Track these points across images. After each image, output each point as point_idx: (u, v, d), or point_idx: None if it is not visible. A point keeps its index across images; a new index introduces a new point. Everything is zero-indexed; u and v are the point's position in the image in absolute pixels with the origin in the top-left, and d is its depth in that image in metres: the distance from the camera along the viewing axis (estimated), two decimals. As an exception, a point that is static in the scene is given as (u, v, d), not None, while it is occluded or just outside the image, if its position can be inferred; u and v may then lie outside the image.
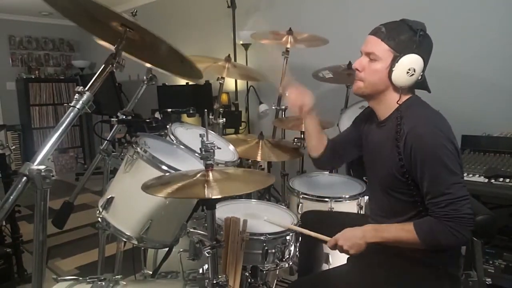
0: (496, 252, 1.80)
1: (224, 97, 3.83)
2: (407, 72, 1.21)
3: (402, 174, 1.22)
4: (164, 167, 1.35)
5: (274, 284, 1.96)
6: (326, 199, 1.84)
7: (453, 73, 2.44)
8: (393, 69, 1.22)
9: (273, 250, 1.49)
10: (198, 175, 1.16)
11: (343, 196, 1.87)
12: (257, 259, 1.49)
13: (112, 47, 1.16)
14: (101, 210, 1.42)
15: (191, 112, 1.98)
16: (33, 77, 5.63)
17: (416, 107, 1.27)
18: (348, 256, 1.31)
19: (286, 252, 1.53)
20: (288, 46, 2.57)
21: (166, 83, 4.14)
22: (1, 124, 5.22)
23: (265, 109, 3.42)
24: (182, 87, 4.05)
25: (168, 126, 1.75)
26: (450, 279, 1.24)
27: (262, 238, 1.47)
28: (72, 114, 1.03)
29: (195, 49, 4.16)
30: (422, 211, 1.22)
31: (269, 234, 1.48)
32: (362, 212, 1.87)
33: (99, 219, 1.42)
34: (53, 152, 1.06)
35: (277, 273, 2.02)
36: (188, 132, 1.84)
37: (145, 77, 2.05)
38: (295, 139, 2.56)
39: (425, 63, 1.22)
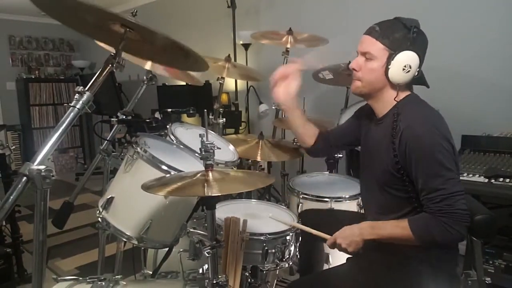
0: (496, 252, 1.80)
1: (224, 97, 3.83)
2: (403, 69, 1.22)
3: (397, 171, 1.23)
4: (164, 167, 1.35)
5: (274, 284, 1.96)
6: (326, 199, 1.84)
7: (453, 73, 2.44)
8: (389, 66, 1.23)
9: (273, 250, 1.49)
10: (198, 175, 1.16)
11: (343, 196, 1.87)
12: (257, 259, 1.49)
13: (112, 50, 1.16)
14: (101, 210, 1.42)
15: (191, 112, 1.98)
16: (33, 77, 5.64)
17: (413, 105, 1.27)
18: (347, 255, 1.31)
19: (286, 252, 1.53)
20: (288, 46, 2.57)
21: (166, 83, 4.14)
22: (1, 124, 5.22)
23: (265, 109, 3.42)
24: (182, 87, 4.04)
25: (168, 126, 1.75)
26: (450, 279, 1.24)
27: (262, 238, 1.47)
28: (72, 114, 1.03)
29: (195, 49, 4.12)
30: (417, 207, 1.23)
31: (269, 234, 1.48)
32: (362, 212, 1.87)
33: (99, 219, 1.42)
34: (53, 152, 1.06)
35: (277, 273, 2.02)
36: (188, 132, 1.84)
37: (145, 77, 2.05)
38: (295, 139, 2.56)
39: (421, 59, 1.23)
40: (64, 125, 1.01)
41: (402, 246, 1.22)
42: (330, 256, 1.70)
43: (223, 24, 3.73)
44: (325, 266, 1.70)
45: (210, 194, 1.06)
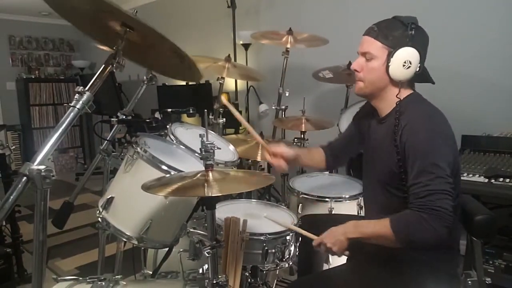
0: (496, 252, 1.80)
1: (224, 97, 3.82)
2: (403, 65, 1.22)
3: (399, 169, 1.23)
4: (164, 167, 1.35)
5: (274, 284, 1.96)
6: (326, 199, 1.84)
7: (453, 73, 2.44)
8: (389, 64, 1.23)
9: (273, 250, 1.49)
10: (198, 175, 1.16)
11: (343, 196, 1.87)
12: (257, 259, 1.49)
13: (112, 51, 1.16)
14: (101, 210, 1.42)
15: (191, 112, 1.98)
16: (33, 77, 5.64)
17: (415, 103, 1.27)
18: (334, 255, 1.30)
19: (286, 252, 1.53)
20: (288, 46, 2.57)
21: (166, 83, 4.14)
22: (1, 124, 5.22)
23: (265, 109, 3.42)
24: (182, 87, 4.05)
25: (168, 126, 1.75)
26: (450, 279, 1.24)
27: (262, 238, 1.47)
28: (72, 114, 1.03)
29: (195, 49, 4.17)
30: None
31: (269, 234, 1.48)
32: (362, 212, 1.87)
33: (99, 219, 1.42)
34: (53, 152, 1.06)
35: (277, 273, 2.02)
36: (188, 132, 1.84)
37: (145, 77, 2.05)
38: (295, 139, 2.56)
39: (422, 55, 1.23)
40: (64, 125, 1.01)
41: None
42: (330, 256, 1.69)
43: (223, 24, 3.73)
44: (325, 266, 1.70)
45: (210, 195, 1.06)
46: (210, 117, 2.49)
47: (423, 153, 1.15)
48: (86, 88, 1.05)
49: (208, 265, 1.22)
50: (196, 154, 1.55)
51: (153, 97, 4.08)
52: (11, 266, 2.27)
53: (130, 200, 1.42)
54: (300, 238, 1.58)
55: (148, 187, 1.13)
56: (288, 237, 1.53)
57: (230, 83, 3.78)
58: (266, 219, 1.60)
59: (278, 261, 1.51)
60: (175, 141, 1.67)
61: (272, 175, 1.30)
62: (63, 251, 2.91)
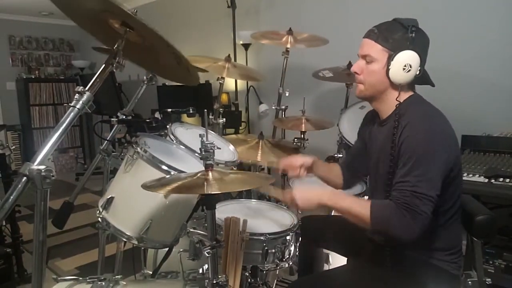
0: (496, 252, 1.80)
1: (224, 97, 3.83)
2: (404, 69, 1.21)
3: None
4: (164, 167, 1.35)
5: (274, 284, 1.96)
6: (326, 199, 1.83)
7: (453, 73, 2.44)
8: (390, 67, 1.23)
9: (273, 250, 1.49)
10: (198, 175, 1.16)
11: (343, 196, 1.86)
12: (257, 259, 1.49)
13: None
14: (101, 210, 1.42)
15: (191, 112, 1.98)
16: (33, 77, 5.64)
17: (416, 105, 1.27)
18: (346, 256, 1.30)
19: (286, 252, 1.53)
20: (288, 46, 2.57)
21: (166, 83, 4.14)
22: (1, 124, 5.22)
23: (265, 109, 3.42)
24: (182, 87, 4.04)
25: (168, 126, 1.75)
26: (450, 279, 1.24)
27: (262, 238, 1.47)
28: (72, 114, 1.03)
29: (195, 49, 4.17)
30: None
31: (269, 234, 1.48)
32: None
33: (99, 219, 1.42)
34: (53, 152, 1.06)
35: (277, 273, 2.02)
36: (188, 132, 1.84)
37: (145, 77, 2.05)
38: (295, 139, 2.56)
39: (422, 58, 1.22)
40: (64, 125, 1.01)
41: (403, 246, 1.21)
42: (330, 256, 1.70)
43: (223, 24, 3.73)
44: (325, 266, 1.70)
45: (209, 192, 1.06)
46: (210, 117, 2.49)
47: (419, 153, 1.14)
48: (86, 88, 1.05)
49: (208, 265, 1.22)
50: (196, 154, 1.55)
51: (153, 97, 4.08)
52: (11, 266, 2.27)
53: (130, 200, 1.42)
54: (300, 238, 1.58)
55: (148, 187, 1.13)
56: (288, 237, 1.53)
57: (230, 83, 3.78)
58: (268, 219, 1.61)
59: (278, 261, 1.51)
60: (175, 141, 1.67)
61: (272, 175, 1.30)
62: (63, 251, 2.91)
